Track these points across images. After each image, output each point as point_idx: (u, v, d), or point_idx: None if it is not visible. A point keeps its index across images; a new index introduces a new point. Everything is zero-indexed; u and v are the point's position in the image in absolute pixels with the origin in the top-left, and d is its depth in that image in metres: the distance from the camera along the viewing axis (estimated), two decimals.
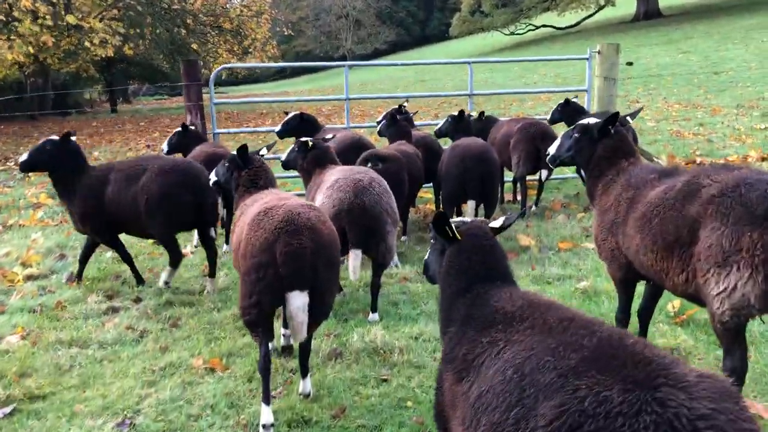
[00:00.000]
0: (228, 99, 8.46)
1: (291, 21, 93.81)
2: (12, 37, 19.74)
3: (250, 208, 4.16)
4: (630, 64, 12.54)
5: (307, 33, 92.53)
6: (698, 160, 9.88)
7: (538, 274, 6.11)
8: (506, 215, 3.02)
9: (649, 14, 45.51)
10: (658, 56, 28.99)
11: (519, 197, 8.55)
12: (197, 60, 8.29)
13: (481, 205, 7.03)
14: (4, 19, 19.42)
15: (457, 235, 2.80)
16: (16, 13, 19.30)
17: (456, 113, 8.32)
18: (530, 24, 53.35)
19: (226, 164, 4.81)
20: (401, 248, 7.19)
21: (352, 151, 6.96)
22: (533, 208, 8.34)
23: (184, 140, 7.48)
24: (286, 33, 55.47)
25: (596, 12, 50.85)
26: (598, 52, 9.35)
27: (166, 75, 42.92)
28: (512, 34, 54.04)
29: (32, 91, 35.14)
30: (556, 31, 52.19)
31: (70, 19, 20.10)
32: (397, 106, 8.21)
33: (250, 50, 30.27)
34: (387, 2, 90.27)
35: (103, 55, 21.69)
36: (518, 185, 8.24)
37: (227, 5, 28.82)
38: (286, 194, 4.42)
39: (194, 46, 25.49)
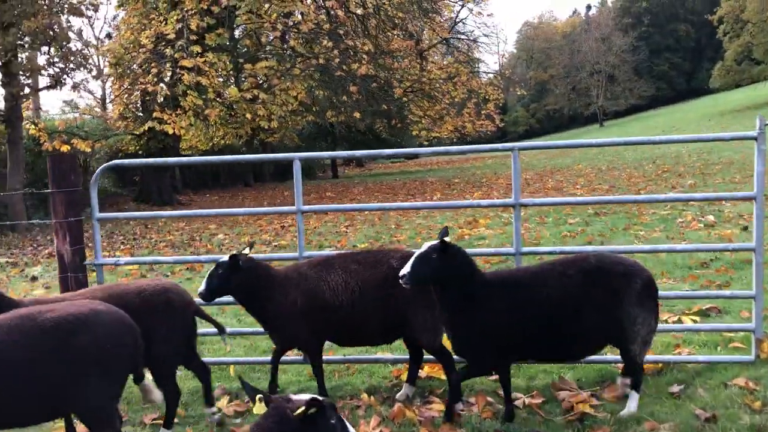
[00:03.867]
0: (119, 213, 5.68)
1: (542, 80, 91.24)
2: (178, 113, 19.52)
3: None
4: None
5: (556, 91, 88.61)
6: None
7: None
8: None
9: None
10: None
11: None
12: (72, 154, 5.63)
13: None
14: (169, 93, 19.26)
15: None
16: (179, 89, 19.03)
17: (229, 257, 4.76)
18: None
19: None
20: None
21: None
22: None
23: None
24: (519, 93, 52.65)
25: None
26: None
27: (384, 141, 42.44)
28: None
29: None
30: None
31: (232, 92, 19.40)
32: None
33: (444, 116, 27.83)
34: (645, 55, 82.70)
35: (266, 126, 20.71)
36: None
37: (416, 69, 26.73)
38: None
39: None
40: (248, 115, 20.12)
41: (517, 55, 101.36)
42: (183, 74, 18.68)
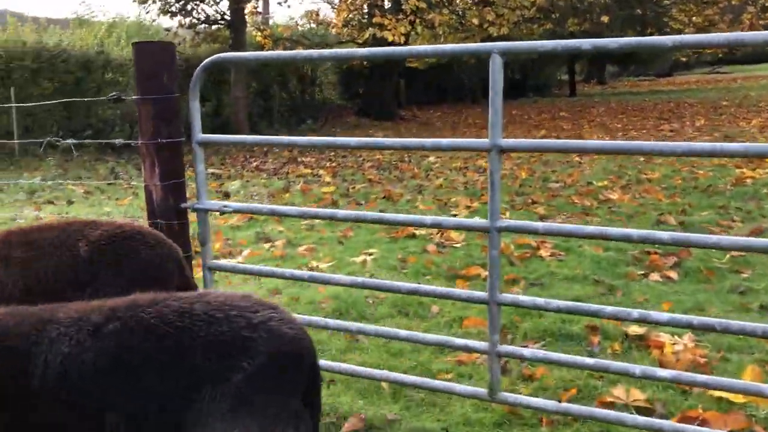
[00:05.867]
0: (224, 135, 3.96)
1: None
2: (399, 17, 17.78)
3: None
4: None
5: None
6: None
7: None
8: None
9: None
10: None
11: None
12: (168, 43, 3.87)
13: None
14: None
15: None
16: None
17: None
18: None
19: None
20: None
21: None
22: None
23: None
24: None
25: None
26: None
27: (632, 56, 37.28)
28: None
29: (479, 73, 33.95)
30: None
31: None
32: None
33: (717, 23, 22.73)
34: None
35: (495, 34, 18.07)
36: None
37: None
38: None
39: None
40: (475, 21, 17.70)
41: None
42: None
